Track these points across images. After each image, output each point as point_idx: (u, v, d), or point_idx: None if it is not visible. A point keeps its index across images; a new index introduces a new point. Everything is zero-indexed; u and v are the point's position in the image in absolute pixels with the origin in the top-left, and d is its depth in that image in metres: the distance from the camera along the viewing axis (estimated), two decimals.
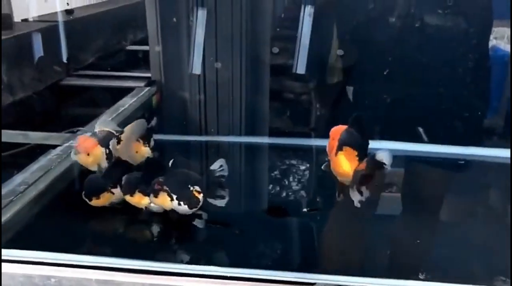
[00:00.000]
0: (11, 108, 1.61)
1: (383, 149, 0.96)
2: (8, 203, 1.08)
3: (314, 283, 0.85)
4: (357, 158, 0.96)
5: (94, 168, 1.19)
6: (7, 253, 0.90)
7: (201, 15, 1.51)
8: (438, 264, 1.03)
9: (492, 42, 1.46)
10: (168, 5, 1.66)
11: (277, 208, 1.26)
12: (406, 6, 1.31)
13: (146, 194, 1.09)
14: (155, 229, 1.12)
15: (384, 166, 0.92)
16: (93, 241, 1.08)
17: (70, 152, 1.21)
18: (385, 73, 1.32)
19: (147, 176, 1.09)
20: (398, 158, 1.44)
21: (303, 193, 1.35)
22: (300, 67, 1.44)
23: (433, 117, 1.40)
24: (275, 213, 1.23)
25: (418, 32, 1.32)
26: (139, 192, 1.10)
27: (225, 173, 1.13)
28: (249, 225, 1.15)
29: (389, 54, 1.35)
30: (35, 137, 1.45)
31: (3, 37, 1.56)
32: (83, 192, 1.12)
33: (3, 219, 1.03)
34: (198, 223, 1.10)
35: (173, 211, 1.08)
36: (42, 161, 1.26)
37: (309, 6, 1.38)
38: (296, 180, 1.41)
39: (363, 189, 0.93)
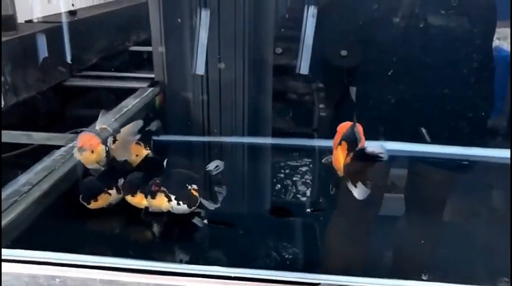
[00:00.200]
0: (14, 108, 1.61)
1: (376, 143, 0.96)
2: (12, 203, 1.08)
3: (318, 284, 0.85)
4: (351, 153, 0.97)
5: (93, 166, 1.19)
6: (12, 253, 0.91)
7: (205, 16, 1.51)
8: (442, 265, 1.03)
9: (495, 42, 1.46)
10: (171, 6, 1.66)
11: (280, 208, 1.26)
12: (409, 7, 1.31)
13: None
14: (157, 228, 1.13)
15: (378, 158, 0.91)
16: (97, 241, 1.08)
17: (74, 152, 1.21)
18: (389, 73, 1.31)
19: (148, 176, 1.10)
20: (402, 159, 1.45)
21: (306, 193, 1.35)
22: (304, 68, 1.44)
23: (436, 117, 1.40)
24: (278, 213, 1.23)
25: (420, 33, 1.32)
26: (140, 192, 1.10)
27: (221, 169, 1.14)
28: (252, 225, 1.15)
29: (391, 54, 1.35)
30: (39, 138, 1.45)
31: (7, 38, 1.57)
32: (80, 196, 1.12)
33: (8, 219, 1.04)
34: (197, 221, 1.11)
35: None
36: (46, 161, 1.26)
37: (312, 6, 1.38)
38: (299, 180, 1.41)
39: (357, 182, 0.94)
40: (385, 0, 1.32)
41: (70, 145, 1.34)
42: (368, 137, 1.00)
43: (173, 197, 1.06)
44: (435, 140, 1.42)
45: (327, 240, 1.16)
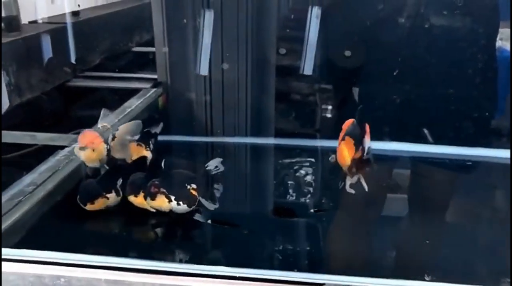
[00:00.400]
0: (18, 109, 1.62)
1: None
2: (17, 203, 1.08)
3: (323, 284, 0.85)
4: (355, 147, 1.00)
5: (94, 164, 1.19)
6: (17, 253, 0.91)
7: (208, 16, 1.51)
8: (445, 265, 1.03)
9: (498, 43, 1.46)
10: (174, 7, 1.66)
11: (283, 209, 1.26)
12: (411, 7, 1.31)
13: None
14: (160, 229, 1.13)
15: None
16: (101, 241, 1.09)
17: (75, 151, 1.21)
18: (394, 74, 1.32)
19: (151, 177, 1.10)
20: (405, 159, 1.45)
21: (309, 194, 1.35)
22: (307, 69, 1.44)
23: (439, 118, 1.40)
24: (281, 213, 1.23)
25: (423, 33, 1.32)
26: (142, 192, 1.11)
27: (221, 169, 1.15)
28: (255, 225, 1.15)
29: (394, 55, 1.35)
30: (42, 138, 1.46)
31: (11, 38, 1.57)
32: (78, 197, 1.12)
33: (12, 219, 1.04)
34: (198, 217, 1.11)
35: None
36: (51, 161, 1.26)
37: (316, 7, 1.38)
38: (301, 180, 1.41)
39: (356, 174, 0.98)
40: (388, 1, 1.32)
41: (74, 145, 1.34)
42: (371, 138, 1.01)
43: (173, 198, 1.07)
44: (438, 141, 1.42)
45: (330, 239, 1.17)
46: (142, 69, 2.07)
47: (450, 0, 1.29)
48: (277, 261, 1.00)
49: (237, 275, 0.86)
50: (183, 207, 1.09)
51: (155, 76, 1.79)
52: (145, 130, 1.31)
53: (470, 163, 1.40)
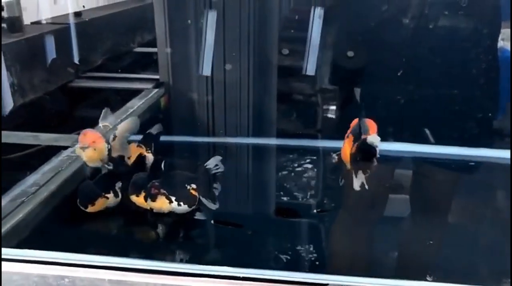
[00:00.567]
0: (21, 109, 1.62)
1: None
2: (20, 204, 1.09)
3: (327, 284, 0.85)
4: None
5: (95, 164, 1.20)
6: (21, 253, 0.91)
7: (211, 17, 1.51)
8: (447, 265, 1.04)
9: (500, 43, 1.46)
10: (177, 7, 1.66)
11: (285, 209, 1.26)
12: (413, 8, 1.31)
13: None
14: (163, 229, 1.13)
15: (375, 149, 0.96)
16: (104, 241, 1.09)
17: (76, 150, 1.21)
18: (398, 74, 1.32)
19: (153, 177, 1.11)
20: (407, 159, 1.45)
21: (311, 194, 1.35)
22: (310, 69, 1.45)
23: (442, 118, 1.40)
24: (284, 213, 1.24)
25: (425, 34, 1.32)
26: (144, 192, 1.11)
27: (221, 170, 1.16)
28: (257, 225, 1.16)
29: (396, 55, 1.35)
30: (45, 138, 1.46)
31: (13, 39, 1.58)
32: (78, 200, 1.12)
33: (16, 219, 1.04)
34: (199, 215, 1.12)
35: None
36: (54, 161, 1.27)
37: (319, 7, 1.38)
38: (303, 181, 1.41)
39: (358, 171, 0.99)
40: (389, 1, 1.33)
41: (77, 145, 1.35)
42: None
43: (173, 198, 1.08)
44: (440, 141, 1.42)
45: (333, 240, 1.17)
46: (144, 69, 2.07)
47: (452, 0, 1.29)
48: (280, 261, 1.00)
49: (240, 275, 0.87)
50: (183, 207, 1.09)
51: (157, 77, 1.80)
52: (146, 132, 1.32)
53: (473, 163, 1.41)
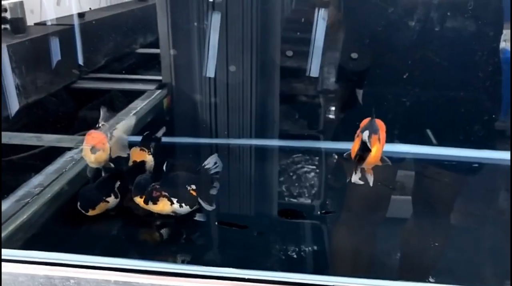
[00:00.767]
0: (24, 110, 1.62)
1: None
2: (24, 205, 1.09)
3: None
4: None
5: (99, 165, 1.19)
6: (27, 254, 0.92)
7: (216, 18, 1.51)
8: (449, 266, 1.04)
9: (502, 44, 1.46)
10: (180, 9, 1.66)
11: (289, 210, 1.26)
12: (416, 10, 1.32)
13: None
14: (167, 230, 1.14)
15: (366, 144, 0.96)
16: (107, 242, 1.09)
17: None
18: (404, 77, 1.32)
19: (156, 179, 1.11)
20: (410, 161, 1.45)
21: (314, 195, 1.35)
22: (314, 71, 1.45)
23: (444, 120, 1.40)
24: (287, 215, 1.24)
25: (428, 36, 1.32)
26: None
27: (219, 169, 1.16)
28: (260, 226, 1.16)
29: (399, 57, 1.36)
30: (49, 139, 1.46)
31: (16, 40, 1.58)
32: (78, 204, 1.12)
33: (21, 220, 1.05)
34: (199, 216, 1.12)
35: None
36: (59, 162, 1.27)
37: (323, 9, 1.39)
38: (306, 182, 1.41)
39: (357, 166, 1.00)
40: (392, 3, 1.33)
41: (81, 146, 1.35)
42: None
43: (174, 200, 1.08)
44: (442, 143, 1.43)
45: (335, 241, 1.17)
46: (147, 70, 2.08)
47: (455, 2, 1.29)
48: (285, 263, 1.00)
49: (245, 276, 0.87)
50: (185, 208, 1.10)
51: (160, 78, 1.80)
52: (145, 134, 1.32)
53: (476, 165, 1.41)
